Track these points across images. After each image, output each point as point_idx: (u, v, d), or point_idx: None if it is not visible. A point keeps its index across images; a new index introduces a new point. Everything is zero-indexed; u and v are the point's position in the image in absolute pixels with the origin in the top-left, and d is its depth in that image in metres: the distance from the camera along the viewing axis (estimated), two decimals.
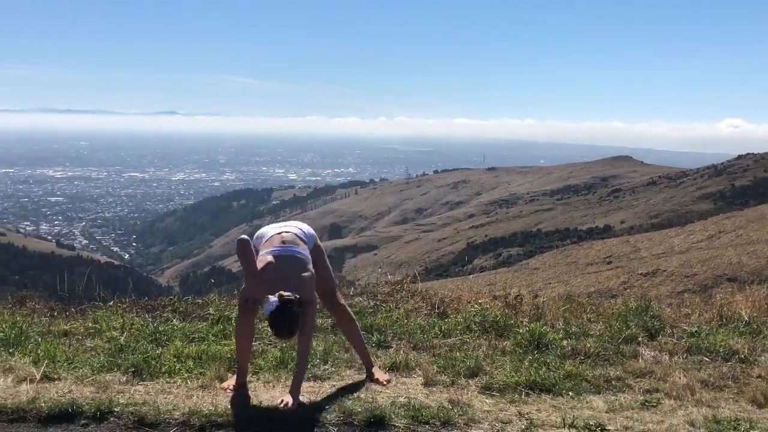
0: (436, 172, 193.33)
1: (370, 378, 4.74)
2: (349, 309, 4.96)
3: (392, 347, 5.32)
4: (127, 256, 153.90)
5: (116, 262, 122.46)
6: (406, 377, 4.78)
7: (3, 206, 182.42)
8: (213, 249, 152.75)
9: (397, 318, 5.90)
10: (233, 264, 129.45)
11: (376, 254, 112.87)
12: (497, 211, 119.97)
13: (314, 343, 5.23)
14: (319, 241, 4.79)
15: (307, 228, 4.73)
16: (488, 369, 4.88)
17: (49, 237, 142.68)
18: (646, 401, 4.43)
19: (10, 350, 5.09)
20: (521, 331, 5.57)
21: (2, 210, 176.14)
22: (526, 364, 4.94)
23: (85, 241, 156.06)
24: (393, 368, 4.89)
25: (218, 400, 4.35)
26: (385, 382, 4.67)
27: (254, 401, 4.35)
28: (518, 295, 6.69)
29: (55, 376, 4.66)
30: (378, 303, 6.32)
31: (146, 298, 6.51)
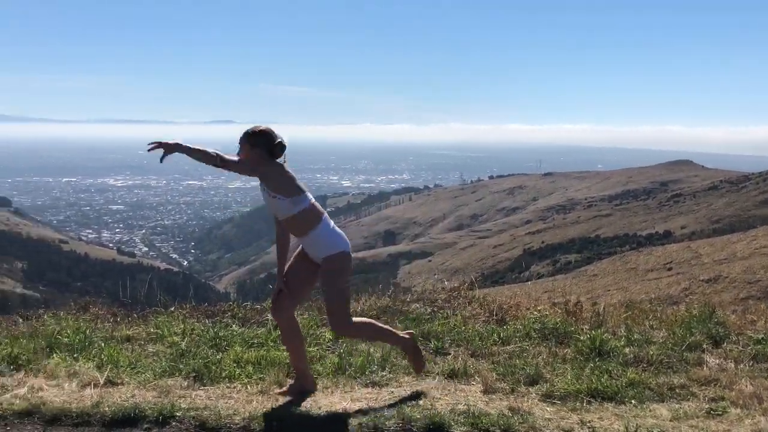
0: (491, 177, 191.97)
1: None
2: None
3: (450, 354, 5.29)
4: (185, 262, 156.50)
5: (175, 269, 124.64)
6: (464, 384, 4.74)
7: (66, 214, 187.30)
8: (269, 255, 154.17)
9: (454, 325, 5.86)
10: None
11: (430, 261, 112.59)
12: (554, 217, 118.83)
13: (371, 350, 5.24)
14: (335, 265, 4.51)
15: (332, 234, 4.55)
16: (549, 376, 4.81)
17: (110, 244, 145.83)
18: (712, 410, 4.31)
19: (75, 355, 5.20)
20: (582, 338, 5.48)
21: (65, 218, 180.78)
22: (588, 371, 4.86)
23: (145, 249, 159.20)
24: (451, 375, 4.86)
25: (278, 405, 4.38)
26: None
27: (313, 407, 4.36)
28: (578, 302, 6.60)
29: (119, 381, 4.75)
30: (435, 310, 6.29)
31: (206, 304, 6.60)
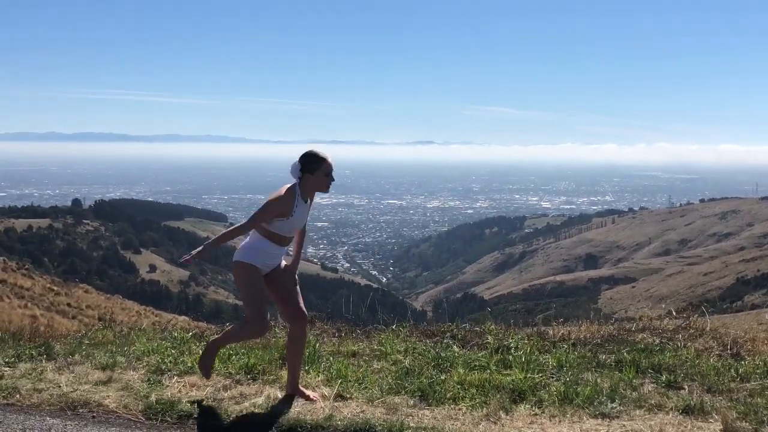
0: (701, 200, 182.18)
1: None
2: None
3: (684, 389, 4.97)
4: (384, 279, 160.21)
5: (375, 286, 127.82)
6: (701, 422, 4.45)
7: None
8: (465, 276, 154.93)
9: (686, 358, 5.52)
10: (485, 291, 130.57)
11: (634, 287, 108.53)
12: None
13: (598, 379, 5.06)
14: None
15: None
16: None
17: (315, 260, 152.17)
18: None
19: (306, 368, 5.40)
20: None
21: None
22: None
23: (347, 264, 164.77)
24: (686, 411, 4.57)
25: (505, 430, 4.32)
26: (315, 398, 4.84)
27: None
28: None
29: (347, 396, 4.88)
30: (663, 341, 5.97)
31: (424, 323, 6.68)
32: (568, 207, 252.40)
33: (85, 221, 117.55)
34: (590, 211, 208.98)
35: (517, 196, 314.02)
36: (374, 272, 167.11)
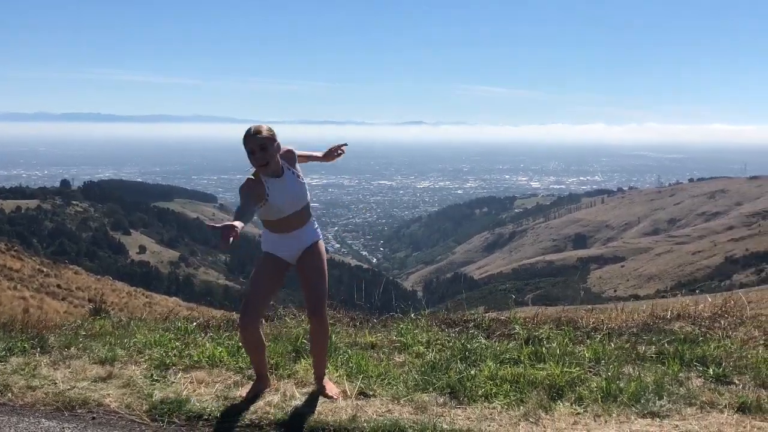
0: (690, 180, 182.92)
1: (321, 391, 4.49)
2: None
3: (735, 384, 4.57)
4: (375, 260, 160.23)
5: (365, 266, 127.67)
6: (761, 421, 4.05)
7: None
8: (455, 255, 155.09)
9: (731, 349, 5.11)
10: (475, 271, 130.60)
11: (623, 266, 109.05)
12: (760, 223, 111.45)
13: (641, 374, 4.67)
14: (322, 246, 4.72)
15: None
16: None
17: None
18: None
19: None
20: None
21: None
22: None
23: (338, 245, 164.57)
24: (742, 409, 4.17)
25: (547, 431, 3.93)
26: (335, 396, 4.41)
27: None
28: None
29: (370, 393, 4.47)
30: (703, 330, 5.56)
31: (444, 311, 6.25)
32: (558, 187, 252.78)
33: (74, 202, 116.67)
34: (580, 191, 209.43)
35: (507, 177, 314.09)
36: (364, 252, 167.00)
